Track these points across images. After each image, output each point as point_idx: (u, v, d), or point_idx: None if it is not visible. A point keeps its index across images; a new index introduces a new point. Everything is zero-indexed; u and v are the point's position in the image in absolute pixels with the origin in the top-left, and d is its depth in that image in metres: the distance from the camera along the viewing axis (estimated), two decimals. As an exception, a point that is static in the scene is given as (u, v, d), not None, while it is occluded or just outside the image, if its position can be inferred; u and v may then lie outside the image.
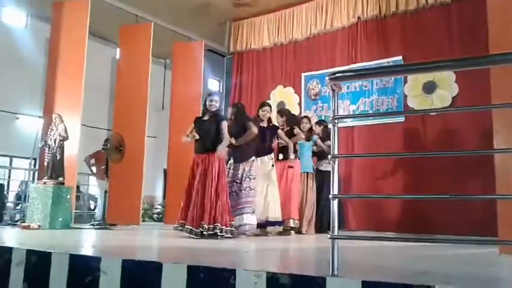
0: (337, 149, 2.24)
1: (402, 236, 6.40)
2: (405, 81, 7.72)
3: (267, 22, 9.81)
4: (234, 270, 2.15)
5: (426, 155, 7.19)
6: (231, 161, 5.61)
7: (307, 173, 6.61)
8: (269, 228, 5.73)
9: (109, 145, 6.94)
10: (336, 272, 2.04)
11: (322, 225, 6.52)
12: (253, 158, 5.61)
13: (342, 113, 7.72)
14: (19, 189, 9.89)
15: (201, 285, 2.22)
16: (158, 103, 11.91)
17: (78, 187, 8.95)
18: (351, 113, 8.25)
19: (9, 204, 9.33)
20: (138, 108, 8.04)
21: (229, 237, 4.84)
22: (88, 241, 4.62)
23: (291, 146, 6.20)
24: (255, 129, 5.54)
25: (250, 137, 5.52)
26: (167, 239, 4.95)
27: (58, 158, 6.43)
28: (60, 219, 6.20)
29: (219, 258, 3.18)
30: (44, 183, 6.32)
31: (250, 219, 5.36)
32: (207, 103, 5.20)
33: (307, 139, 6.74)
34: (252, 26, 10.01)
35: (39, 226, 5.92)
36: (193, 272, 2.25)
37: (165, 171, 10.35)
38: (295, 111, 8.36)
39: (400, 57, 7.80)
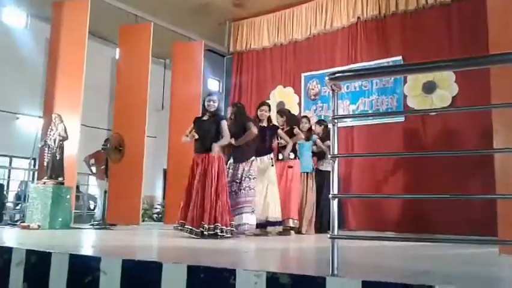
0: (337, 149, 2.25)
1: (402, 235, 6.40)
2: (405, 81, 7.72)
3: (266, 22, 9.81)
4: (234, 270, 2.15)
5: (426, 155, 7.19)
6: (231, 160, 5.61)
7: (307, 173, 6.61)
8: (269, 228, 5.72)
9: (108, 145, 6.94)
10: (336, 272, 2.05)
11: (322, 225, 6.52)
12: (253, 157, 5.61)
13: (341, 113, 7.72)
14: (19, 189, 9.88)
15: (201, 285, 2.22)
16: (158, 103, 11.91)
17: (78, 187, 8.95)
18: (351, 113, 8.25)
19: (9, 204, 9.33)
20: (138, 108, 8.04)
21: (229, 237, 4.84)
22: (87, 241, 4.62)
23: (290, 145, 6.20)
24: (254, 130, 5.53)
25: (250, 138, 5.52)
26: (167, 239, 4.95)
27: (58, 158, 6.43)
28: (60, 219, 6.20)
29: (219, 258, 3.18)
30: (44, 183, 6.31)
31: (249, 219, 5.36)
32: (206, 103, 5.20)
33: (307, 139, 6.74)
34: (252, 26, 10.01)
35: (39, 226, 5.92)
36: (193, 272, 2.25)
37: (165, 171, 10.35)
38: (295, 111, 8.36)
39: (400, 57, 7.80)
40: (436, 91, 7.40)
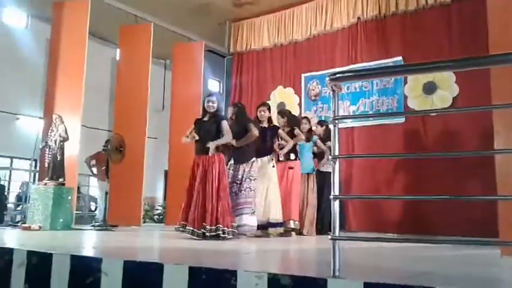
0: (338, 150, 2.25)
1: (403, 237, 6.40)
2: (405, 82, 7.72)
3: (267, 23, 9.81)
4: (235, 271, 2.15)
5: (426, 156, 7.19)
6: (231, 161, 5.61)
7: (307, 174, 6.60)
8: (270, 230, 5.72)
9: (109, 146, 6.95)
10: (337, 273, 2.04)
11: (323, 226, 6.52)
12: (254, 159, 5.61)
13: (342, 114, 7.71)
14: (20, 190, 9.89)
15: (203, 286, 2.22)
16: (159, 104, 11.91)
17: (78, 188, 8.95)
18: (351, 113, 8.24)
19: (10, 205, 9.34)
20: (138, 108, 8.05)
21: (231, 238, 4.84)
22: (88, 242, 4.62)
23: (290, 144, 6.18)
24: (255, 132, 5.53)
25: (251, 140, 5.52)
26: (168, 240, 4.95)
27: (59, 159, 6.44)
28: (61, 220, 6.20)
29: (220, 259, 3.18)
30: (45, 184, 6.32)
31: (249, 220, 5.35)
32: (205, 104, 5.20)
33: (307, 140, 6.73)
34: (252, 27, 10.01)
35: (40, 227, 5.93)
36: (194, 273, 2.25)
37: (166, 172, 10.36)
38: (295, 111, 8.36)
39: (400, 58, 7.80)
40: (437, 92, 7.40)
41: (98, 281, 2.50)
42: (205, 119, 5.20)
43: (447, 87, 7.28)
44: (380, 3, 8.19)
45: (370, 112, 8.05)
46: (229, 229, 4.85)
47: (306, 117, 7.24)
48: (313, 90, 8.95)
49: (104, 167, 7.44)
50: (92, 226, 6.97)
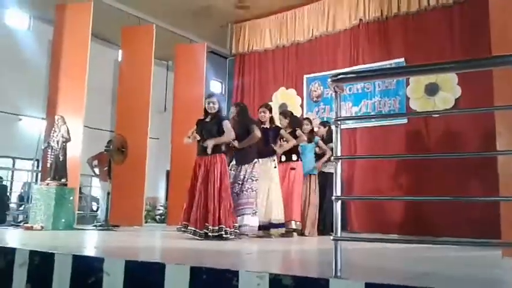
0: (340, 151, 2.25)
1: (405, 238, 6.39)
2: (407, 83, 7.71)
3: (269, 24, 9.81)
4: (237, 271, 2.16)
5: (428, 157, 7.18)
6: (233, 162, 5.61)
7: (309, 174, 6.60)
8: (272, 231, 5.71)
9: (111, 146, 6.96)
10: (339, 274, 2.05)
11: (325, 227, 6.52)
12: (256, 159, 5.61)
13: (344, 115, 7.71)
14: (22, 191, 9.92)
15: (204, 286, 2.23)
16: (161, 105, 11.93)
17: (80, 188, 8.97)
18: (353, 115, 8.23)
19: (12, 205, 9.36)
20: (140, 109, 8.06)
21: (233, 239, 4.84)
22: (90, 242, 4.63)
23: (291, 144, 6.17)
24: (258, 133, 5.53)
25: (253, 141, 5.52)
26: (170, 240, 4.96)
27: (61, 160, 6.45)
28: (63, 220, 6.22)
29: (221, 259, 3.19)
30: (47, 184, 6.34)
31: (250, 221, 5.35)
32: (206, 105, 5.21)
33: (309, 141, 6.73)
34: (254, 28, 10.02)
35: (42, 227, 5.94)
36: (196, 273, 2.25)
37: (167, 173, 10.37)
38: (297, 113, 8.36)
39: (402, 59, 7.78)
40: (439, 93, 7.39)
41: (100, 281, 2.51)
42: (207, 119, 5.21)
43: (449, 88, 7.27)
44: (382, 5, 8.18)
45: (372, 113, 8.04)
46: (232, 229, 4.86)
47: (307, 118, 7.24)
48: (315, 91, 8.95)
49: (106, 168, 7.46)
50: (94, 226, 6.98)
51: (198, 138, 5.09)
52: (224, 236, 4.76)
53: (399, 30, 8.04)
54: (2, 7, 9.98)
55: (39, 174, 7.98)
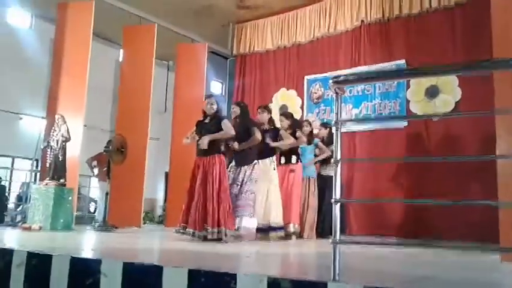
0: (340, 153, 2.24)
1: (404, 241, 6.38)
2: (408, 86, 7.69)
3: (270, 25, 9.81)
4: (235, 274, 2.15)
5: (428, 160, 7.18)
6: (232, 163, 5.60)
7: (309, 177, 6.59)
8: (271, 234, 5.69)
9: (111, 147, 6.95)
10: (337, 277, 2.04)
11: (323, 230, 6.50)
12: (255, 161, 5.59)
13: (344, 117, 7.69)
14: (20, 190, 9.89)
15: (202, 289, 2.22)
16: (161, 105, 11.92)
17: (78, 189, 8.96)
18: (354, 117, 8.22)
19: (11, 205, 9.34)
20: (141, 110, 8.04)
21: (232, 241, 4.83)
22: (88, 243, 4.62)
23: (289, 141, 6.14)
24: (258, 136, 5.52)
25: (253, 144, 5.51)
26: (168, 242, 4.94)
27: (60, 159, 6.44)
28: (62, 220, 6.21)
29: (220, 262, 3.18)
30: (46, 184, 6.32)
31: (248, 223, 5.34)
32: (205, 106, 5.20)
33: (309, 142, 6.72)
34: (256, 29, 10.02)
35: (40, 227, 5.93)
36: (194, 276, 2.24)
37: (166, 174, 10.36)
38: (297, 114, 8.36)
39: (403, 61, 7.78)
40: (439, 96, 7.38)
41: (97, 283, 2.50)
42: (206, 120, 5.20)
43: (450, 91, 7.26)
44: (384, 7, 8.18)
45: (372, 115, 8.02)
46: (231, 231, 4.84)
47: (307, 120, 7.24)
48: (316, 92, 8.94)
49: (105, 168, 7.44)
50: (92, 227, 6.96)
51: (197, 138, 5.08)
52: (224, 238, 4.75)
53: (401, 32, 8.04)
54: (4, 6, 9.98)
55: (38, 174, 7.97)
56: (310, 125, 7.00)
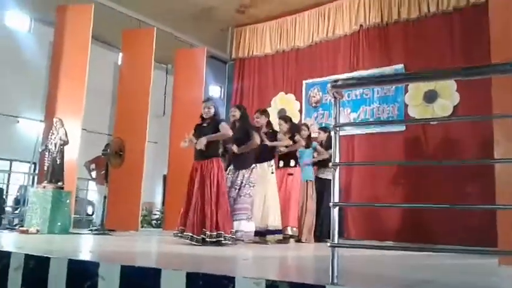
0: (338, 157, 2.24)
1: (402, 245, 6.37)
2: (406, 90, 7.71)
3: (269, 29, 9.83)
4: (233, 277, 2.14)
5: (426, 164, 7.19)
6: (231, 167, 5.60)
7: (307, 180, 6.59)
8: (268, 237, 5.69)
9: (109, 150, 6.94)
10: (335, 281, 2.03)
11: (321, 233, 6.50)
12: (254, 165, 5.60)
13: (342, 121, 7.67)
14: (18, 194, 9.87)
15: (200, 292, 2.21)
16: (160, 109, 11.91)
17: (76, 192, 8.93)
18: (352, 121, 8.23)
19: (8, 209, 9.31)
20: (139, 113, 8.03)
21: (230, 245, 4.82)
22: (86, 246, 4.61)
23: (286, 142, 6.15)
24: (257, 140, 5.53)
25: (252, 147, 5.52)
26: (166, 246, 4.93)
27: (58, 163, 6.43)
28: (59, 223, 6.18)
29: (218, 265, 3.17)
30: (44, 187, 6.30)
31: (246, 226, 5.34)
32: (202, 110, 5.21)
33: (307, 146, 6.73)
34: (254, 33, 10.03)
35: (37, 230, 5.90)
36: (192, 279, 2.24)
37: (165, 177, 10.34)
38: (296, 118, 8.37)
39: (402, 65, 7.80)
40: (437, 100, 7.40)
41: (95, 286, 2.49)
42: (204, 124, 5.20)
43: (448, 95, 7.28)
44: (383, 11, 8.21)
45: (371, 119, 8.04)
46: (229, 235, 4.84)
47: (305, 124, 7.25)
48: (314, 97, 8.95)
49: (103, 171, 7.42)
50: (89, 230, 6.94)
51: (195, 141, 5.08)
52: (223, 242, 4.74)
53: (399, 36, 8.06)
54: (3, 9, 9.97)
55: (36, 177, 7.95)
56: (308, 128, 7.02)
